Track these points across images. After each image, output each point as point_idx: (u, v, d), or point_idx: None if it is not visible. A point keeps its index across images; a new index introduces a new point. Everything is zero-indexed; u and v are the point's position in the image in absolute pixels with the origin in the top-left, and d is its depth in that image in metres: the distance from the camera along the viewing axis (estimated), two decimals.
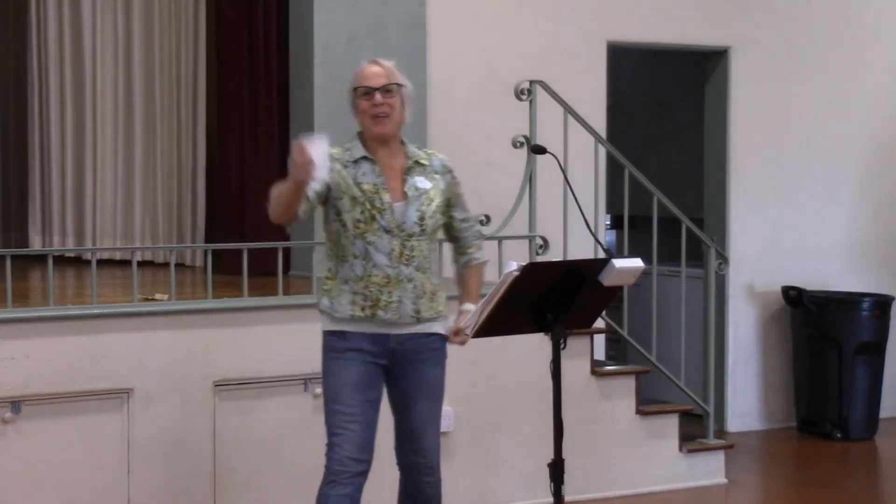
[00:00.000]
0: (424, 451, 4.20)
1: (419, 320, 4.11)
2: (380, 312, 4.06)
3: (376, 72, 4.10)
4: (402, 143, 4.20)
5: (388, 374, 4.16)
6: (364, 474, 4.09)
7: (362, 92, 4.09)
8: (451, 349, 4.20)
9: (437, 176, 4.18)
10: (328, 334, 4.15)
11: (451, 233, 4.28)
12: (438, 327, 4.18)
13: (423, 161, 4.18)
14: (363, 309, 4.06)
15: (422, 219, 4.10)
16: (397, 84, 4.10)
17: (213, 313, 5.23)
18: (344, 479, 4.04)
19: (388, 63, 4.15)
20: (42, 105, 7.29)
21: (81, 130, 7.24)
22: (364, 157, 4.12)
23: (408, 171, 4.14)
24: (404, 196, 4.11)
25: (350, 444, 4.05)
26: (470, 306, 4.18)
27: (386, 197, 4.08)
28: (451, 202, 4.22)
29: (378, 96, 4.07)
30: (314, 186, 3.94)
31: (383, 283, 4.06)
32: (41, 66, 7.28)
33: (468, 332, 4.05)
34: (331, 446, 4.08)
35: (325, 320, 4.16)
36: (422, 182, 4.15)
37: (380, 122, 4.08)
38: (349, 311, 4.07)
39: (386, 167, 4.12)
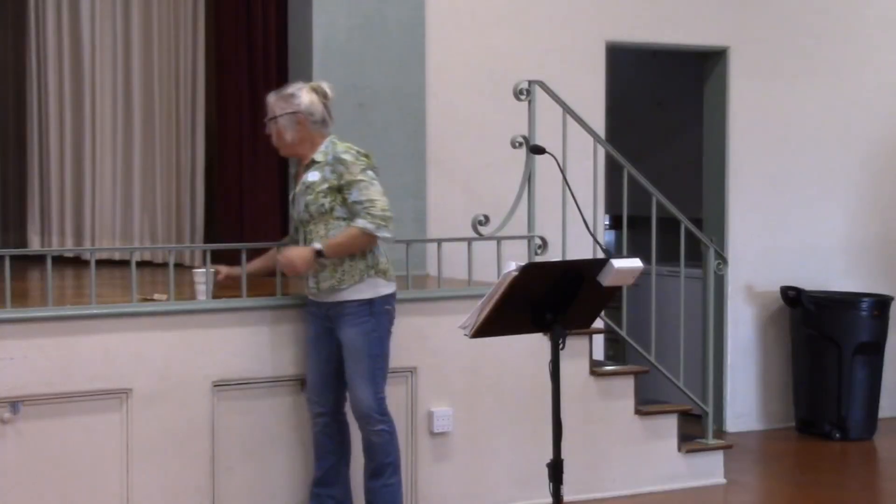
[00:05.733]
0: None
1: (320, 290, 4.97)
2: (306, 289, 5.07)
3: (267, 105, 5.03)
4: (322, 146, 4.98)
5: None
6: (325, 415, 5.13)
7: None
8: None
9: (326, 168, 4.91)
10: None
11: (350, 211, 4.92)
12: (350, 294, 4.94)
13: (318, 159, 4.97)
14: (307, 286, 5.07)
15: (307, 207, 4.94)
16: (273, 117, 4.97)
17: (213, 313, 5.23)
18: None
19: (272, 96, 5.02)
20: (41, 104, 7.28)
21: (80, 130, 7.23)
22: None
23: (305, 171, 5.00)
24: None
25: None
26: (317, 245, 4.87)
27: (292, 196, 5.10)
28: (342, 187, 4.91)
29: (268, 128, 5.04)
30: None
31: None
32: (40, 66, 7.27)
33: (466, 332, 4.06)
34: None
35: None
36: (311, 176, 4.96)
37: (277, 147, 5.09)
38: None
39: (298, 174, 5.09)
